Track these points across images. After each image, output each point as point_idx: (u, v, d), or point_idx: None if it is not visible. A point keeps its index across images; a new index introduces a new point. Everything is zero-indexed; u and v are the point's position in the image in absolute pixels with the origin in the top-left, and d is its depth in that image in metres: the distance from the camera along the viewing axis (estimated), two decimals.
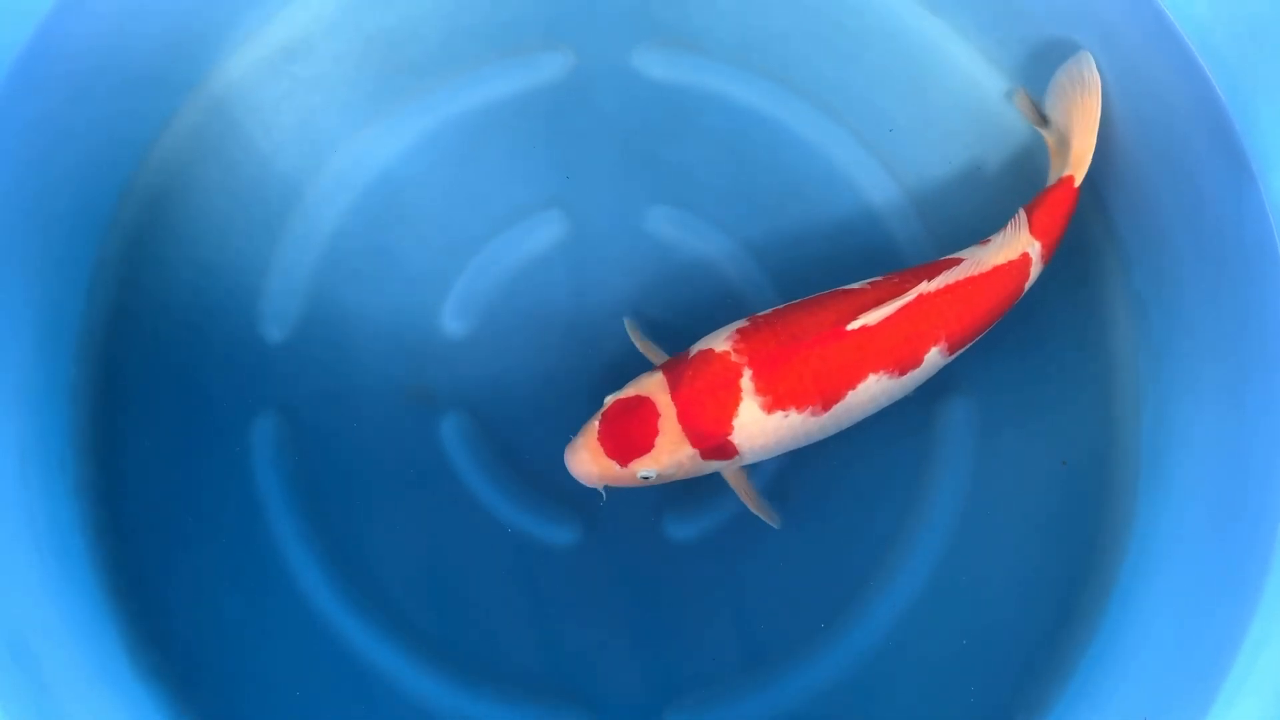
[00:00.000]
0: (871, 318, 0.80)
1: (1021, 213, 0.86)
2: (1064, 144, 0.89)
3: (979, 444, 0.93)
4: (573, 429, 0.92)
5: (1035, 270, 0.86)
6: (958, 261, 0.84)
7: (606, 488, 0.84)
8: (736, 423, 0.80)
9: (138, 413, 0.93)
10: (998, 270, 0.84)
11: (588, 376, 0.94)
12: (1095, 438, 0.92)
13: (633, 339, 0.91)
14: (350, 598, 0.91)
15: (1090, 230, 0.94)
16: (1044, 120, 0.92)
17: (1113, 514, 0.91)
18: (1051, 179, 0.89)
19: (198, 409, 0.94)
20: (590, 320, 0.94)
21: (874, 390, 0.83)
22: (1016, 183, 0.96)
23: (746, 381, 0.80)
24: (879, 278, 0.85)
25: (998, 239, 0.85)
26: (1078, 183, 0.87)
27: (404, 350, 0.95)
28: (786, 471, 0.93)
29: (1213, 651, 0.80)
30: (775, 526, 0.89)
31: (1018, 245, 0.85)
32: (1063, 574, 0.91)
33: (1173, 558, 0.87)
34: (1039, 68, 0.95)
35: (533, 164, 0.98)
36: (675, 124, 0.99)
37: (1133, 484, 0.91)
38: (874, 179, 0.98)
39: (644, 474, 0.81)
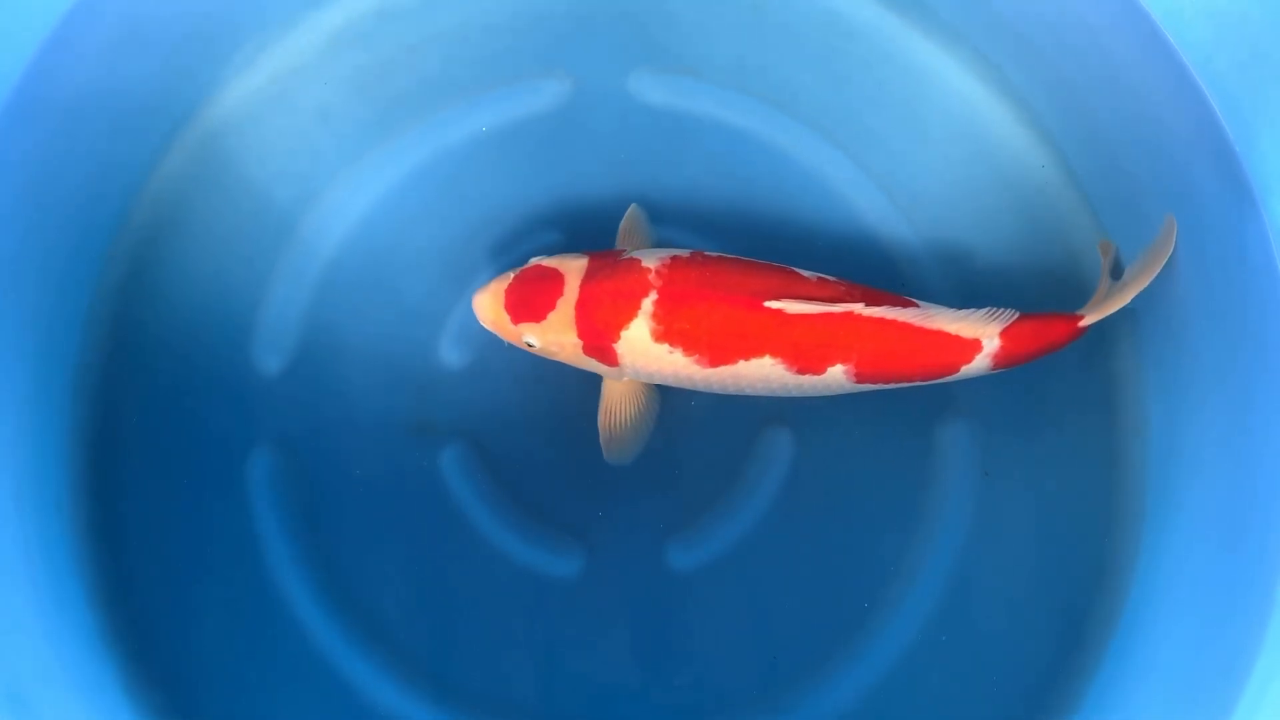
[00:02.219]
0: (790, 306, 0.80)
1: (1014, 313, 0.82)
2: (1106, 292, 0.86)
3: (981, 467, 0.93)
4: (573, 460, 0.92)
5: (980, 363, 0.83)
6: (914, 306, 0.83)
7: (510, 346, 0.87)
8: (624, 334, 0.82)
9: (134, 449, 0.93)
10: (939, 336, 0.82)
11: (588, 404, 0.93)
12: (1100, 461, 0.92)
13: (627, 221, 0.93)
14: (351, 632, 0.91)
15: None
16: (1115, 274, 0.89)
17: (1119, 537, 0.91)
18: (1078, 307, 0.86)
19: (195, 444, 0.93)
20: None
21: (766, 372, 0.82)
22: (1013, 203, 0.96)
23: (648, 303, 0.81)
24: (834, 278, 0.84)
25: (971, 311, 0.82)
26: (1084, 324, 0.84)
27: (402, 381, 0.94)
28: (789, 497, 0.92)
29: (1223, 676, 0.79)
30: (608, 461, 0.89)
31: (977, 330, 0.82)
32: (1069, 598, 0.90)
33: (1180, 581, 0.87)
34: (1036, 90, 0.94)
35: (530, 191, 0.98)
36: (673, 149, 0.99)
37: (1139, 507, 0.91)
38: (870, 201, 0.98)
39: (528, 340, 0.85)
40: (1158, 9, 0.82)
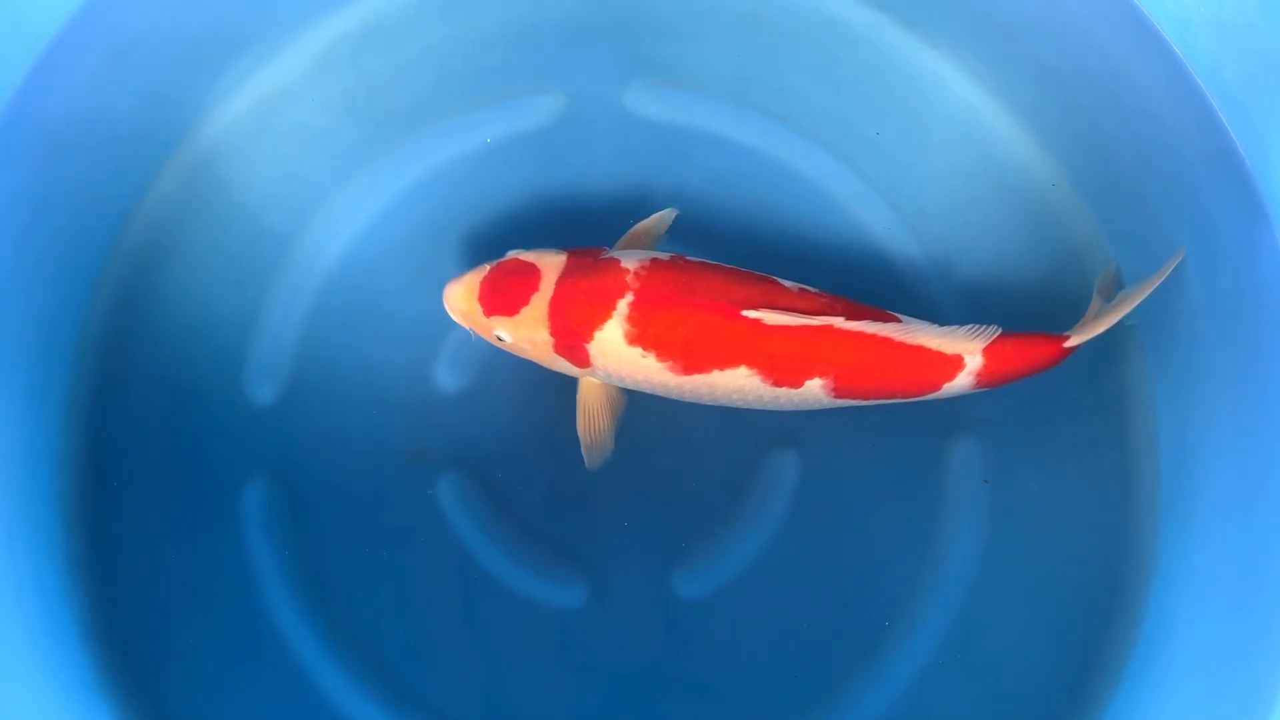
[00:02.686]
0: (769, 316, 0.78)
1: (996, 330, 0.81)
2: (1096, 313, 0.85)
3: (992, 488, 0.91)
4: (575, 486, 0.90)
5: (963, 381, 0.81)
6: (896, 321, 0.81)
7: (475, 335, 0.85)
8: (598, 335, 0.80)
9: (126, 483, 0.91)
10: (920, 352, 0.80)
11: None
12: (1112, 481, 0.90)
13: (654, 220, 0.90)
14: (349, 666, 0.89)
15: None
16: (1109, 295, 0.87)
17: (1134, 554, 0.89)
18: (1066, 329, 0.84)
19: (188, 477, 0.91)
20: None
21: (742, 384, 0.81)
22: (1019, 212, 0.94)
23: (624, 305, 0.79)
24: (815, 289, 0.83)
25: (954, 328, 0.81)
26: (1069, 344, 0.82)
27: (398, 408, 0.92)
28: (798, 522, 0.90)
29: (1247, 697, 0.78)
30: (589, 468, 0.87)
31: (960, 347, 0.80)
32: (1086, 617, 0.88)
33: (1198, 599, 0.85)
34: (1041, 98, 0.93)
35: (526, 209, 0.96)
36: (672, 164, 0.97)
37: (1153, 524, 0.89)
38: (875, 214, 0.96)
39: (499, 333, 0.83)
40: (1163, 19, 0.81)
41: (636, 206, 0.95)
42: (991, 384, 0.82)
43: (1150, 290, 0.82)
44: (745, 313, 0.78)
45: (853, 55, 0.98)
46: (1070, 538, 0.90)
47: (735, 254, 0.93)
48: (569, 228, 0.95)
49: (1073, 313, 0.87)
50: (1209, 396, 0.86)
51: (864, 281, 0.94)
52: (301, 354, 0.93)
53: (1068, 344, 0.82)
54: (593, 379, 0.86)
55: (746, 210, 0.96)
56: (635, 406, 0.91)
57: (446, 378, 0.93)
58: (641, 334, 0.79)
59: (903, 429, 0.92)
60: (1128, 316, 0.83)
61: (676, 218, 0.93)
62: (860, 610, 0.90)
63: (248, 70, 0.96)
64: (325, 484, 0.91)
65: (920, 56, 0.97)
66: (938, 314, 0.93)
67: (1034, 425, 0.92)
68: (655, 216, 0.91)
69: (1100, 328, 0.82)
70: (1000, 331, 0.80)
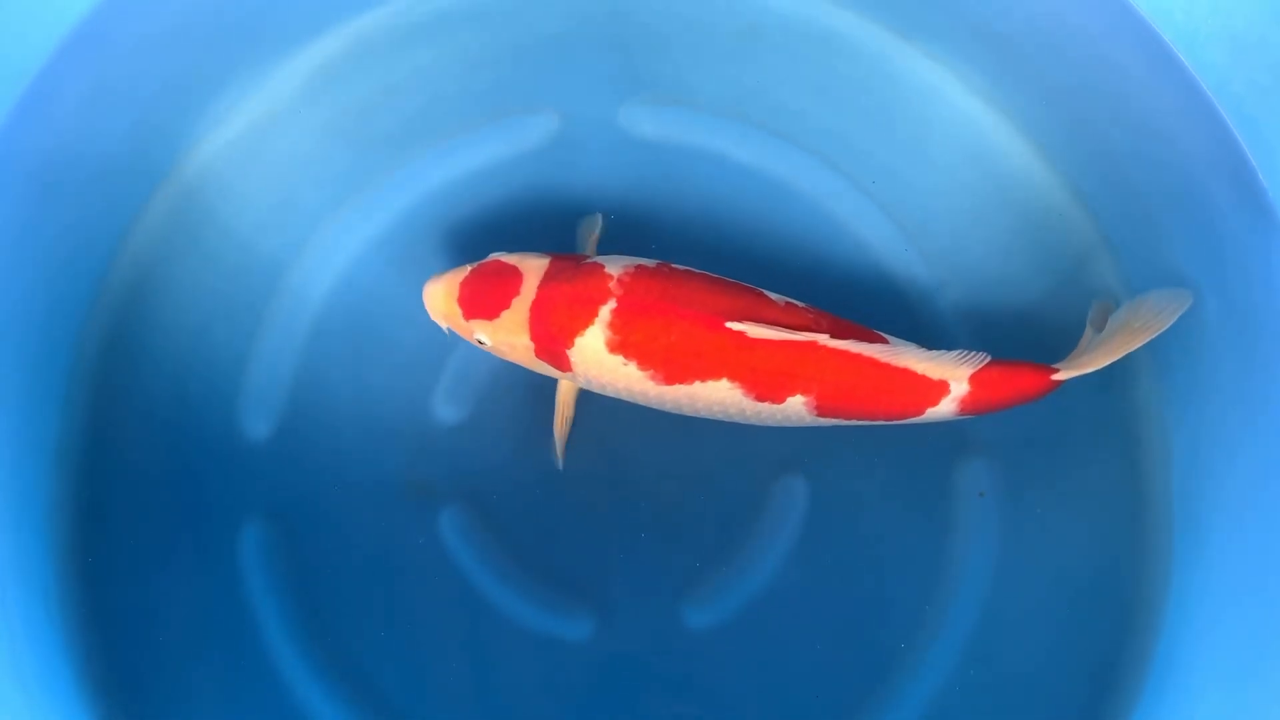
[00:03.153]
0: (753, 330, 0.77)
1: (985, 357, 0.79)
2: (1086, 348, 0.84)
3: (1002, 509, 0.90)
4: (580, 517, 0.88)
5: (946, 407, 0.80)
6: (883, 341, 0.80)
7: (451, 332, 0.84)
8: (579, 341, 0.79)
9: (122, 527, 0.89)
10: (905, 375, 0.79)
11: (593, 459, 0.89)
12: (1124, 497, 0.89)
13: (584, 230, 0.91)
14: (351, 706, 0.87)
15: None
16: (1101, 327, 0.85)
17: (1147, 576, 0.88)
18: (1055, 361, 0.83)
19: (184, 518, 0.89)
20: (591, 396, 0.89)
21: (723, 396, 0.80)
22: (1022, 226, 0.93)
23: (606, 312, 0.78)
24: (802, 304, 0.81)
25: (942, 353, 0.79)
26: (1057, 377, 0.80)
27: (396, 440, 0.90)
28: (808, 548, 0.89)
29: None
30: (558, 467, 0.88)
31: (946, 372, 0.79)
32: (1100, 640, 0.87)
33: (1213, 618, 0.84)
34: (1041, 110, 0.91)
35: (521, 231, 0.94)
36: (669, 183, 0.95)
37: (1166, 544, 0.88)
38: (878, 231, 0.94)
39: (479, 337, 0.82)
40: (1170, 31, 0.79)
41: (633, 227, 0.93)
42: (976, 411, 0.81)
43: (1150, 338, 0.80)
44: (729, 325, 0.77)
45: (851, 69, 0.96)
46: (1083, 557, 0.89)
47: (735, 273, 0.92)
48: (566, 249, 0.93)
49: (1077, 333, 0.86)
50: (1221, 410, 0.85)
51: (867, 300, 0.93)
52: (297, 386, 0.91)
53: (1055, 377, 0.80)
54: (562, 383, 0.85)
55: (746, 229, 0.94)
56: (640, 434, 0.90)
57: (446, 408, 0.91)
58: (623, 341, 0.78)
59: (910, 451, 0.90)
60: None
61: (676, 241, 0.92)
62: (873, 635, 0.88)
63: (236, 97, 0.94)
64: (324, 519, 0.89)
65: (920, 69, 0.96)
66: (940, 331, 0.92)
67: (1043, 444, 0.90)
68: (584, 223, 0.91)
69: (1091, 366, 0.80)
70: (989, 360, 0.79)
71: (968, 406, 0.80)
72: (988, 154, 0.94)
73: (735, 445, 0.89)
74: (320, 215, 0.94)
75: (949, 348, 0.80)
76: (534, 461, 0.90)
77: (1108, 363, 0.80)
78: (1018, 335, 0.90)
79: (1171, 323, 0.80)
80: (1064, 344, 0.84)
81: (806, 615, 0.87)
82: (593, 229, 0.91)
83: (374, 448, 0.90)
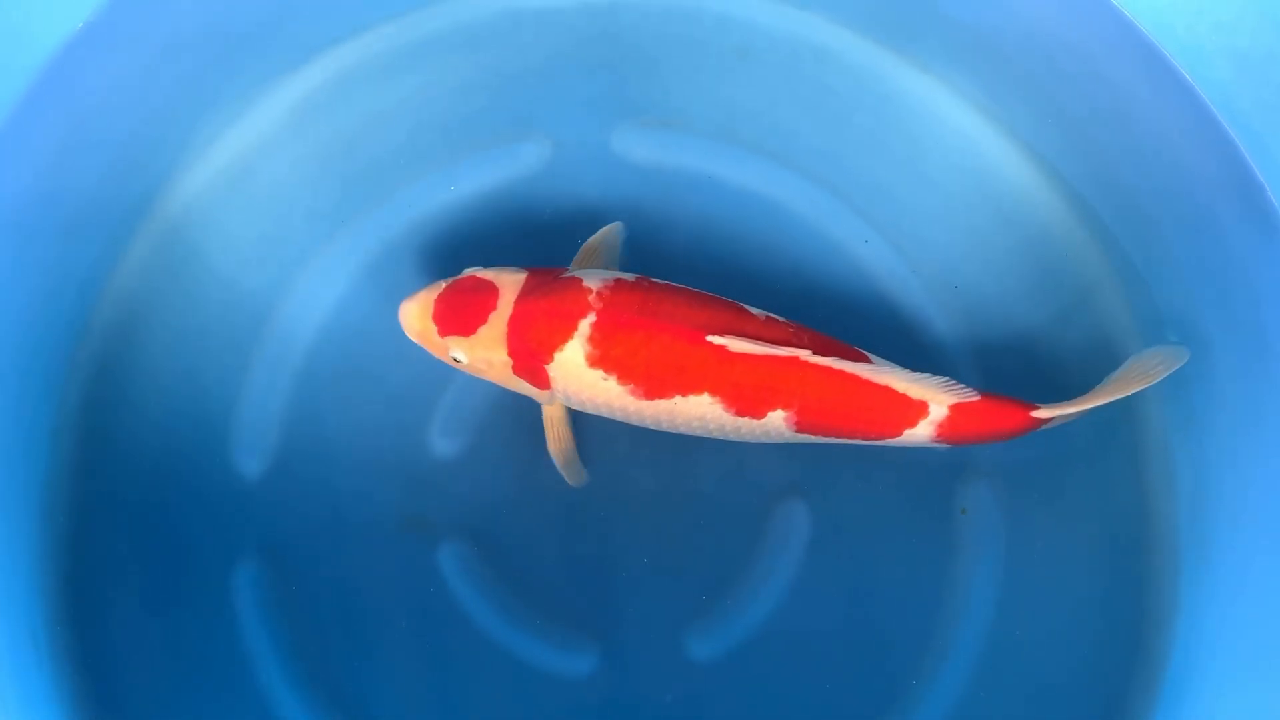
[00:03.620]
0: (734, 344, 0.76)
1: (971, 391, 0.78)
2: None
3: (1008, 531, 0.88)
4: (580, 550, 0.87)
5: (923, 430, 0.79)
6: (866, 360, 0.79)
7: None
8: (558, 356, 0.78)
9: (111, 572, 0.87)
10: (885, 393, 0.78)
11: (592, 490, 0.88)
12: (1130, 521, 0.87)
13: (597, 237, 0.88)
14: None
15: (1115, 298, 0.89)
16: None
17: (1156, 595, 0.86)
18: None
19: (176, 561, 0.87)
20: (588, 422, 0.88)
21: (704, 411, 0.79)
22: (1022, 246, 0.92)
23: (585, 326, 0.77)
24: (783, 319, 0.80)
25: (926, 376, 0.78)
26: (1038, 415, 0.79)
27: (391, 475, 0.89)
28: (811, 576, 0.87)
29: None
30: (572, 485, 0.86)
31: (927, 394, 0.78)
32: (1109, 661, 0.86)
33: (1224, 636, 0.83)
34: (1041, 128, 0.90)
35: (515, 259, 0.92)
36: (663, 208, 0.94)
37: (1173, 563, 0.86)
38: (876, 252, 0.93)
39: (455, 354, 0.80)
40: (1173, 48, 0.78)
41: (629, 251, 0.92)
42: (953, 439, 0.80)
43: (1140, 388, 0.79)
44: (710, 338, 0.76)
45: (845, 87, 0.95)
46: (1090, 579, 0.87)
47: (732, 296, 0.91)
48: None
49: (1079, 357, 0.84)
50: (1228, 429, 0.84)
51: (863, 322, 0.91)
52: (288, 423, 0.90)
53: (1036, 414, 0.78)
54: (549, 404, 0.84)
55: (741, 252, 0.93)
56: (639, 465, 0.89)
57: (441, 441, 0.90)
58: (603, 356, 0.77)
59: (913, 475, 0.89)
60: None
61: (671, 265, 0.90)
62: (879, 661, 0.87)
63: (216, 130, 0.92)
64: (319, 558, 0.88)
65: (916, 86, 0.94)
66: (938, 354, 0.91)
67: (1046, 468, 0.89)
68: (602, 231, 0.88)
69: (1075, 409, 0.79)
70: (975, 392, 0.78)
71: (944, 433, 0.79)
72: (986, 173, 0.92)
73: (735, 471, 0.88)
74: (308, 248, 0.92)
75: (946, 371, 0.79)
76: (532, 494, 0.89)
77: (1091, 406, 0.78)
78: (1016, 358, 0.88)
79: (1162, 378, 0.79)
80: (1062, 369, 0.83)
81: (811, 643, 0.86)
82: (615, 236, 0.89)
83: (369, 483, 0.89)
